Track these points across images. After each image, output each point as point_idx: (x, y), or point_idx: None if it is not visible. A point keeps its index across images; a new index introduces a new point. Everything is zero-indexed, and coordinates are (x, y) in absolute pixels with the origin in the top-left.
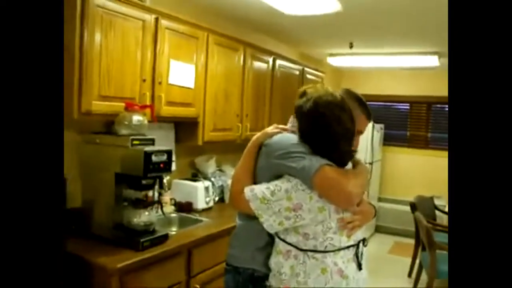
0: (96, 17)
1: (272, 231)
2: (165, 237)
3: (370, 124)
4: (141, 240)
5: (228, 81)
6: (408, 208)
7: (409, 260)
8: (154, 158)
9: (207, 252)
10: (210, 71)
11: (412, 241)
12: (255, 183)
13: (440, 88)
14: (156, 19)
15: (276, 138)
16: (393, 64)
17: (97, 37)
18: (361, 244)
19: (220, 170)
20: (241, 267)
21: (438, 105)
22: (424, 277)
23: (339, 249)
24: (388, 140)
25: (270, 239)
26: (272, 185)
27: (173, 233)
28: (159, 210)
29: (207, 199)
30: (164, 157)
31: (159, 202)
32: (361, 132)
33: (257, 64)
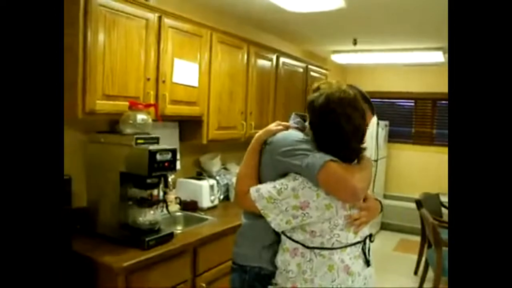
0: (100, 16)
1: (279, 230)
2: (171, 235)
3: (375, 121)
4: (147, 239)
5: (232, 79)
6: (413, 205)
7: (415, 258)
8: (158, 157)
9: (213, 250)
10: (214, 69)
11: (418, 239)
12: (259, 181)
13: (445, 84)
14: (160, 18)
15: (279, 135)
16: (398, 60)
17: (101, 36)
18: (367, 240)
19: (225, 169)
20: (248, 266)
21: (443, 102)
22: (430, 274)
23: (346, 246)
24: (393, 137)
25: (277, 237)
26: (278, 183)
27: (179, 231)
28: (164, 209)
29: (212, 197)
30: (169, 156)
31: (164, 201)
32: (366, 125)
33: (261, 62)
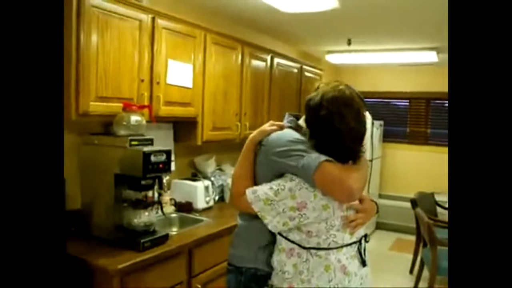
0: (92, 17)
1: (276, 232)
2: (166, 237)
3: (370, 121)
4: (142, 240)
5: (227, 80)
6: (409, 204)
7: (410, 257)
8: (153, 158)
9: (208, 251)
10: (208, 70)
11: (413, 238)
12: (255, 182)
13: (439, 83)
14: (153, 19)
15: (273, 136)
16: (392, 60)
17: (94, 37)
18: (363, 241)
19: (220, 169)
20: (244, 267)
21: (438, 101)
22: (426, 273)
23: (342, 246)
24: (388, 136)
25: (273, 238)
26: (275, 184)
27: (174, 233)
28: (159, 211)
29: (207, 198)
30: (163, 157)
31: (159, 203)
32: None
33: (255, 63)
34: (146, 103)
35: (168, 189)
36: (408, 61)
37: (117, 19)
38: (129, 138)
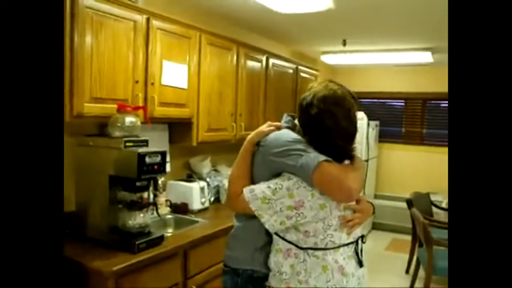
0: (86, 18)
1: (273, 231)
2: (161, 238)
3: (365, 122)
4: (137, 242)
5: (222, 81)
6: (404, 204)
7: (406, 257)
8: (148, 159)
9: (204, 253)
10: (203, 71)
11: (409, 238)
12: (252, 182)
13: (434, 84)
14: (148, 20)
15: (271, 136)
16: (387, 60)
17: (88, 38)
18: (360, 241)
19: (215, 170)
20: (240, 268)
21: (433, 101)
22: (422, 273)
23: (339, 246)
24: (384, 136)
25: (269, 238)
26: (272, 183)
27: (169, 234)
28: (154, 212)
29: (203, 199)
30: (158, 159)
31: (154, 204)
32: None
33: (251, 63)
34: (141, 104)
35: (163, 190)
36: (403, 61)
37: (112, 20)
38: (124, 139)
